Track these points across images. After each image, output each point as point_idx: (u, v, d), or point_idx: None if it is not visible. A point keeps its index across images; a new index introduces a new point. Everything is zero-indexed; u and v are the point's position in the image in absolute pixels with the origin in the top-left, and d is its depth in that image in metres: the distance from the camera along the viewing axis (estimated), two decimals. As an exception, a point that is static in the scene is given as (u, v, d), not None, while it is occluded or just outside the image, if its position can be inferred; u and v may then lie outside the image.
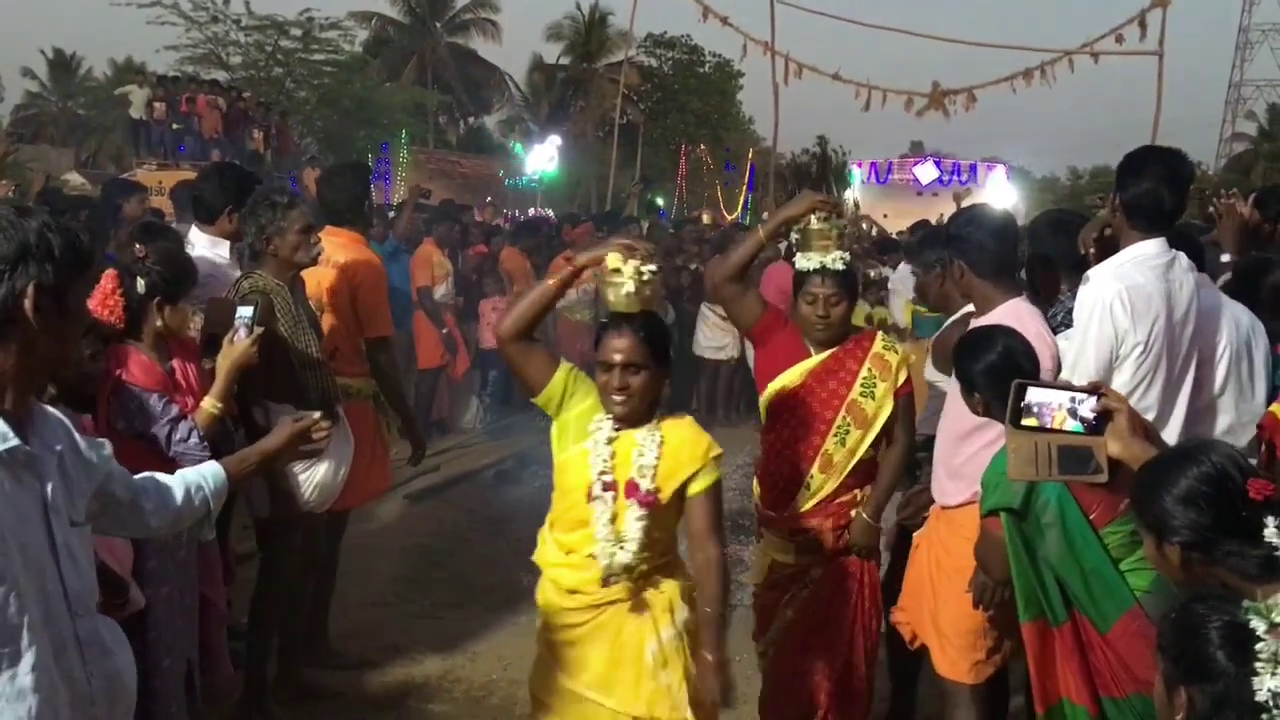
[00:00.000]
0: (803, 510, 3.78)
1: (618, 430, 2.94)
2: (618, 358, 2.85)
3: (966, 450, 3.43)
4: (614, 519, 2.89)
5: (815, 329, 3.73)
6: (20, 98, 46.50)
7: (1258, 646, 1.70)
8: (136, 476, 2.27)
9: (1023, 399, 2.45)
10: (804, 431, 3.76)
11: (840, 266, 3.68)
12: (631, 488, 2.88)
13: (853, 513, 3.77)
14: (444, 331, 8.96)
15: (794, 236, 3.85)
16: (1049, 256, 3.97)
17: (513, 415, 9.44)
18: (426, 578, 5.99)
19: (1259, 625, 1.72)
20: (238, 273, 4.28)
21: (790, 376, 3.77)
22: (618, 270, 2.86)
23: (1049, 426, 2.44)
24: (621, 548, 2.89)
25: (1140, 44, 17.32)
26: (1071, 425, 2.43)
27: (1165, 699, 1.82)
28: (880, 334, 3.87)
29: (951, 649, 3.45)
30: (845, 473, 3.74)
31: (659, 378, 2.94)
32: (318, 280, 4.45)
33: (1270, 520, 1.90)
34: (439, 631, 5.05)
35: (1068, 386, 2.54)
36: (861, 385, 3.72)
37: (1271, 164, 45.70)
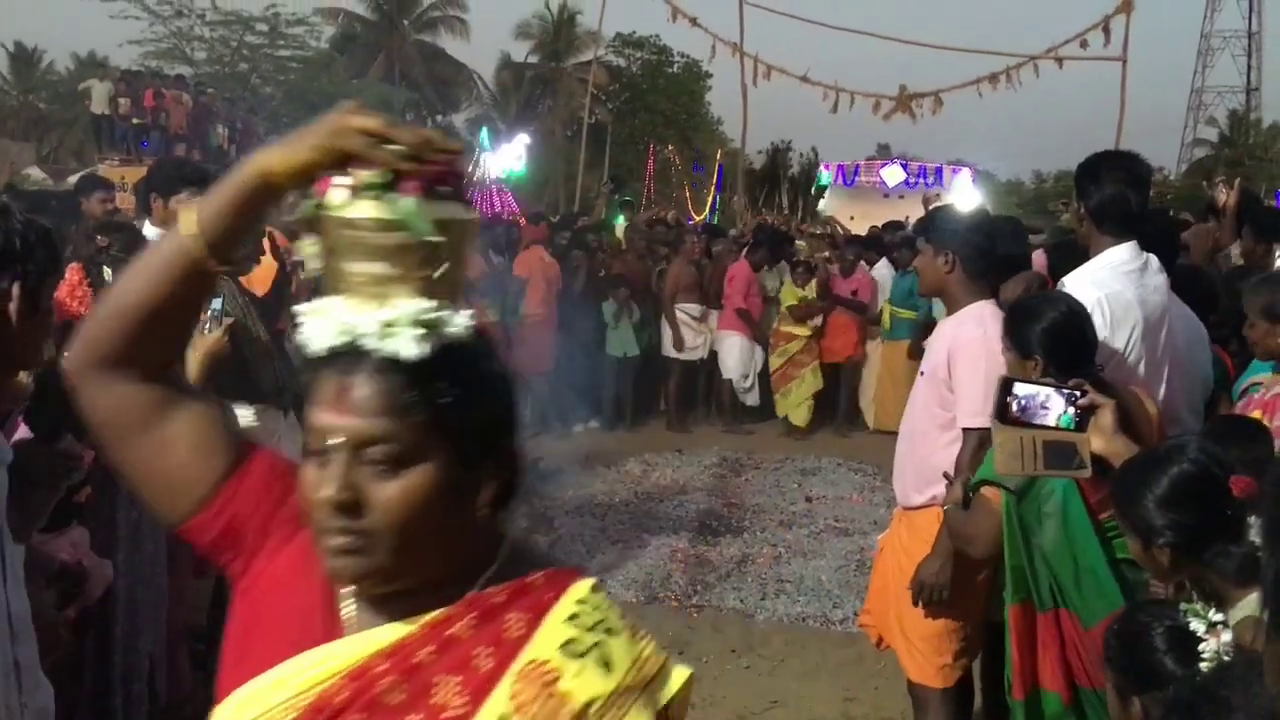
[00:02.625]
0: None
1: None
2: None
3: (928, 449, 3.43)
4: None
5: (334, 553, 1.16)
6: (-21, 91, 45.81)
7: (1200, 647, 1.74)
8: None
9: (1009, 394, 2.47)
10: None
11: (413, 350, 1.14)
12: None
13: None
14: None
15: (307, 248, 1.19)
16: (1007, 256, 3.93)
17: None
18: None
19: (1199, 627, 1.76)
20: None
21: (262, 698, 1.19)
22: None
23: (1034, 422, 2.47)
24: None
25: (1104, 49, 17.50)
26: (1053, 420, 2.46)
27: (1120, 711, 1.84)
28: (580, 589, 1.24)
29: (918, 653, 3.45)
30: None
31: None
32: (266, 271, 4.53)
33: (1254, 519, 1.88)
34: (405, 632, 5.01)
35: (1053, 383, 2.56)
36: None
37: (1231, 169, 46.27)
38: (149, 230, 4.34)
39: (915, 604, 3.26)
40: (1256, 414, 3.13)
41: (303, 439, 1.19)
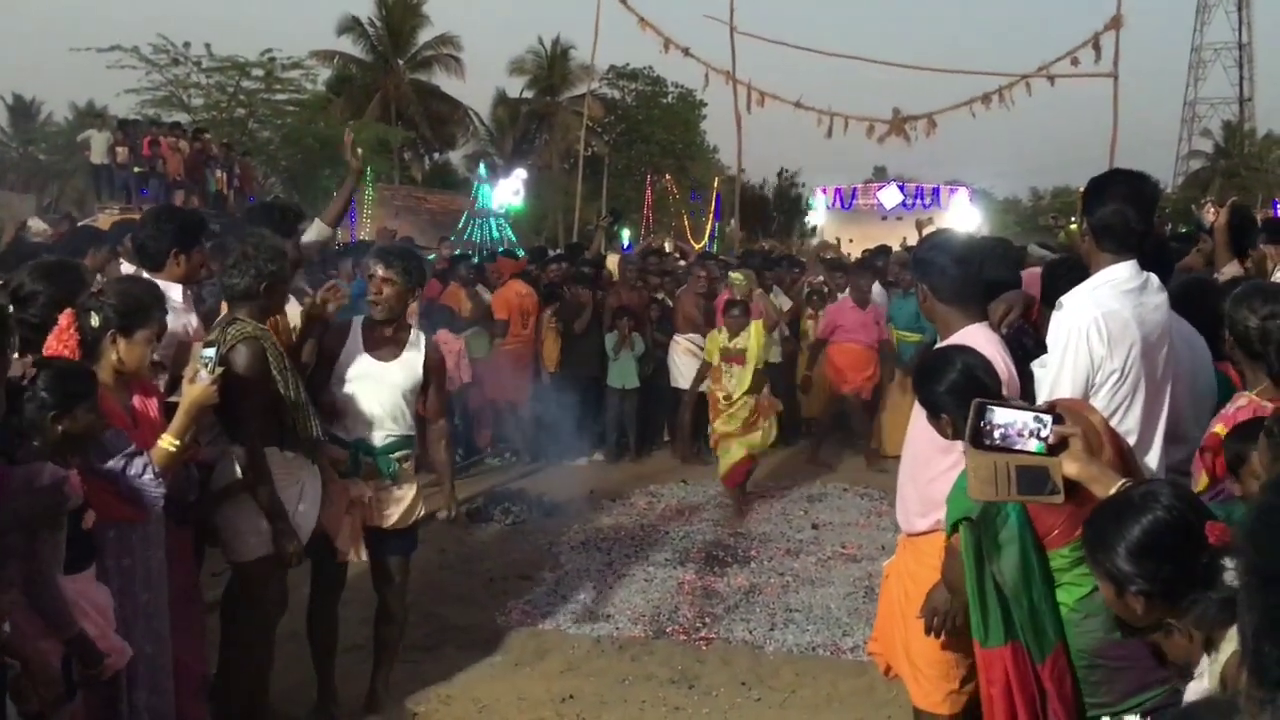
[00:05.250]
0: None
1: None
2: None
3: (930, 474, 3.41)
4: None
5: None
6: (-21, 144, 46.07)
7: None
8: None
9: (983, 419, 2.46)
10: None
11: None
12: None
13: None
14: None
15: None
16: (995, 281, 3.93)
17: (480, 453, 9.40)
18: (398, 620, 5.89)
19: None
20: (192, 315, 4.25)
21: None
22: None
23: (1008, 447, 2.45)
24: None
25: (1095, 66, 17.54)
26: (1031, 445, 2.44)
27: None
28: None
29: (925, 680, 3.42)
30: None
31: None
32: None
33: (1228, 563, 1.87)
34: (412, 674, 4.97)
35: (1028, 407, 2.55)
36: None
37: (1228, 180, 46.42)
38: (163, 284, 4.28)
39: (927, 632, 3.23)
40: (1219, 428, 3.10)
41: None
